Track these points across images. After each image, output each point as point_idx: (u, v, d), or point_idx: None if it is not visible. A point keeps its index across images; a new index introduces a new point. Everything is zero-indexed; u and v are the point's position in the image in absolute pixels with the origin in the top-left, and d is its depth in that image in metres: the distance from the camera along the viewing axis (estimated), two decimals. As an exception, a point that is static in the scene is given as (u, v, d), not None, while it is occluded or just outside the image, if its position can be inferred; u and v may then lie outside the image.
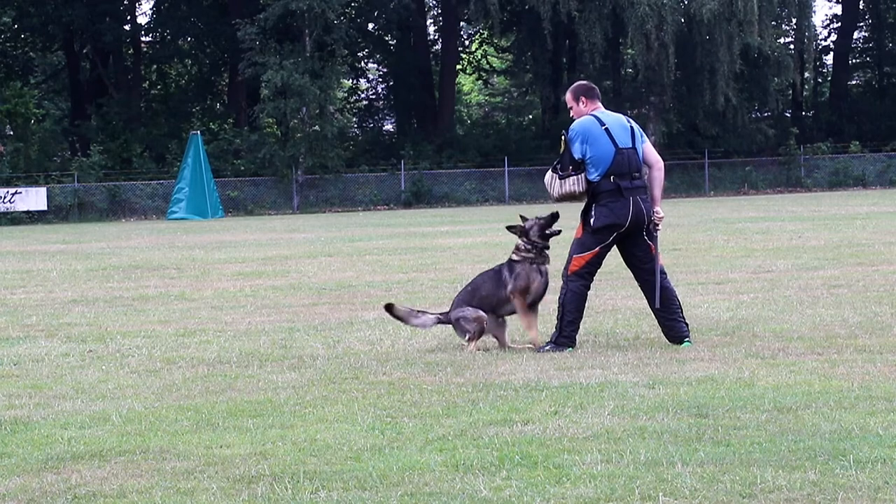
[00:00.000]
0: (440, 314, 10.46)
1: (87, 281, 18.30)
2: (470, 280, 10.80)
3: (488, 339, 10.41)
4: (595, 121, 9.91)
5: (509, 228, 10.50)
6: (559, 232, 10.35)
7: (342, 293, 15.27)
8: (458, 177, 53.83)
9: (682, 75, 54.74)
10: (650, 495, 5.59)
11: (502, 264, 10.41)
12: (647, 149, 10.04)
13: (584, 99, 10.09)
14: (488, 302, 10.22)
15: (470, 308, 10.19)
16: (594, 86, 10.32)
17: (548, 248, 10.31)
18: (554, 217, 10.29)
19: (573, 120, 10.12)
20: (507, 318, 10.37)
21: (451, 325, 10.33)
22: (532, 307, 10.21)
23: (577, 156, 9.86)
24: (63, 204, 49.39)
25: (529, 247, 10.22)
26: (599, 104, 10.11)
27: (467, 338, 10.13)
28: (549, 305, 12.38)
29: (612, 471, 6.00)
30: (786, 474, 5.84)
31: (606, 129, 9.86)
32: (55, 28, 56.89)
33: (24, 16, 56.84)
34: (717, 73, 52.94)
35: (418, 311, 10.61)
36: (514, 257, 10.28)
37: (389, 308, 10.47)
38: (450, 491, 5.76)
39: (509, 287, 10.15)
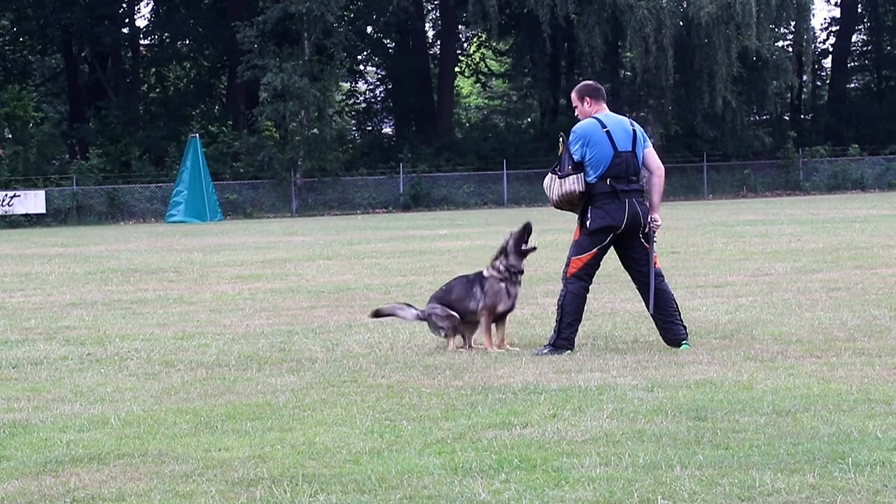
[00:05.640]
0: (420, 310, 10.72)
1: (86, 284, 18.29)
2: (449, 280, 11.00)
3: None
4: (597, 123, 9.91)
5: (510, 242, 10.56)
6: (534, 248, 10.52)
7: (341, 296, 15.27)
8: (456, 180, 53.82)
9: (680, 78, 54.74)
10: (649, 499, 5.59)
11: (479, 273, 10.55)
12: (649, 154, 10.03)
13: (588, 99, 10.09)
14: (457, 306, 10.48)
15: (440, 307, 10.47)
16: (600, 86, 10.31)
17: (522, 272, 10.45)
18: (526, 228, 10.41)
19: (577, 120, 10.13)
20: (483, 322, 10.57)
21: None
22: (498, 319, 10.41)
23: (576, 157, 9.87)
24: (62, 207, 49.39)
25: (503, 269, 10.38)
26: (604, 105, 10.12)
27: (443, 335, 10.43)
28: (549, 308, 12.39)
29: (611, 474, 6.00)
30: (784, 477, 5.84)
31: (608, 132, 9.86)
32: (53, 31, 56.89)
33: (22, 18, 56.82)
34: (716, 76, 52.93)
35: (404, 304, 11.06)
36: (486, 273, 10.47)
37: (376, 314, 10.96)
38: (448, 494, 5.76)
39: (480, 304, 10.37)
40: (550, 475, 6.02)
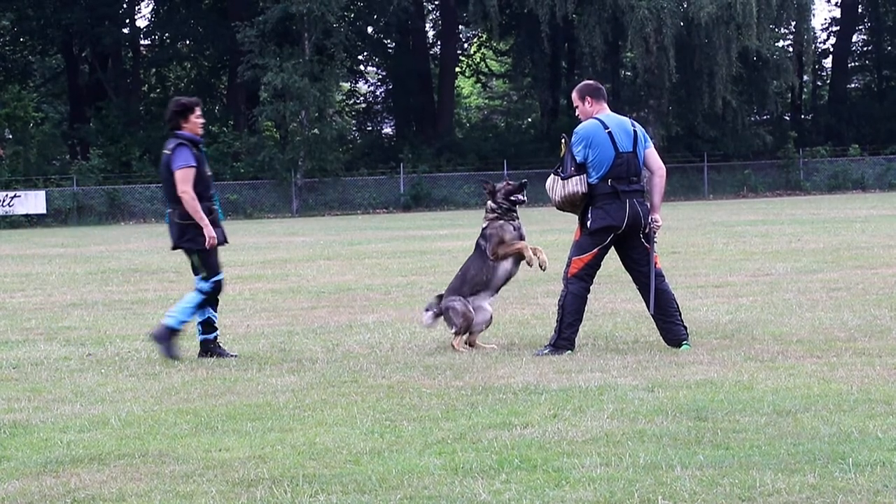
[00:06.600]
0: (435, 310, 10.68)
1: (86, 284, 18.29)
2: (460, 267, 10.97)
3: (489, 340, 10.46)
4: (599, 124, 9.91)
5: (483, 184, 10.78)
6: (524, 201, 10.61)
7: (341, 296, 15.27)
8: (456, 180, 53.84)
9: (681, 78, 54.75)
10: (649, 499, 5.59)
11: (477, 239, 10.62)
12: (650, 154, 10.03)
13: (589, 99, 10.08)
14: (481, 280, 10.47)
15: (460, 301, 10.41)
16: (601, 86, 10.30)
17: (514, 209, 10.57)
18: (522, 185, 10.64)
19: (577, 120, 10.13)
20: (485, 326, 10.54)
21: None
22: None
23: (578, 159, 9.88)
24: (62, 207, 49.42)
25: (495, 207, 10.53)
26: (605, 105, 10.11)
27: (454, 331, 10.35)
28: (549, 308, 12.39)
29: (612, 474, 6.00)
30: (785, 478, 5.84)
31: (609, 133, 9.86)
32: (54, 31, 56.89)
33: (22, 19, 56.82)
34: (716, 76, 52.96)
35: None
36: (484, 223, 10.60)
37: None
38: (449, 494, 5.76)
39: (488, 250, 10.43)
40: (551, 475, 6.02)
